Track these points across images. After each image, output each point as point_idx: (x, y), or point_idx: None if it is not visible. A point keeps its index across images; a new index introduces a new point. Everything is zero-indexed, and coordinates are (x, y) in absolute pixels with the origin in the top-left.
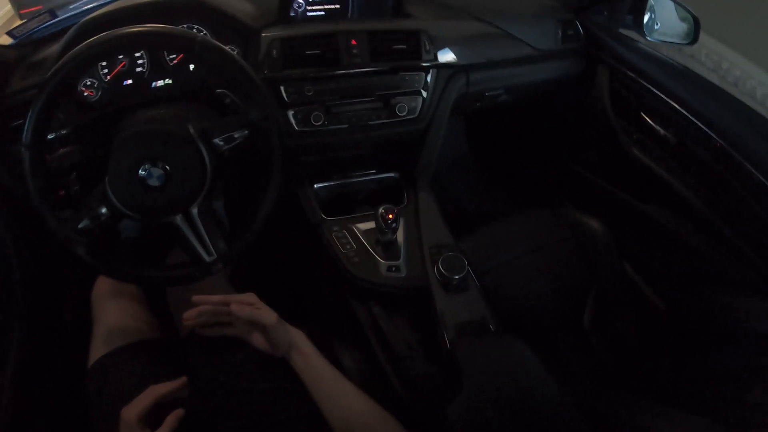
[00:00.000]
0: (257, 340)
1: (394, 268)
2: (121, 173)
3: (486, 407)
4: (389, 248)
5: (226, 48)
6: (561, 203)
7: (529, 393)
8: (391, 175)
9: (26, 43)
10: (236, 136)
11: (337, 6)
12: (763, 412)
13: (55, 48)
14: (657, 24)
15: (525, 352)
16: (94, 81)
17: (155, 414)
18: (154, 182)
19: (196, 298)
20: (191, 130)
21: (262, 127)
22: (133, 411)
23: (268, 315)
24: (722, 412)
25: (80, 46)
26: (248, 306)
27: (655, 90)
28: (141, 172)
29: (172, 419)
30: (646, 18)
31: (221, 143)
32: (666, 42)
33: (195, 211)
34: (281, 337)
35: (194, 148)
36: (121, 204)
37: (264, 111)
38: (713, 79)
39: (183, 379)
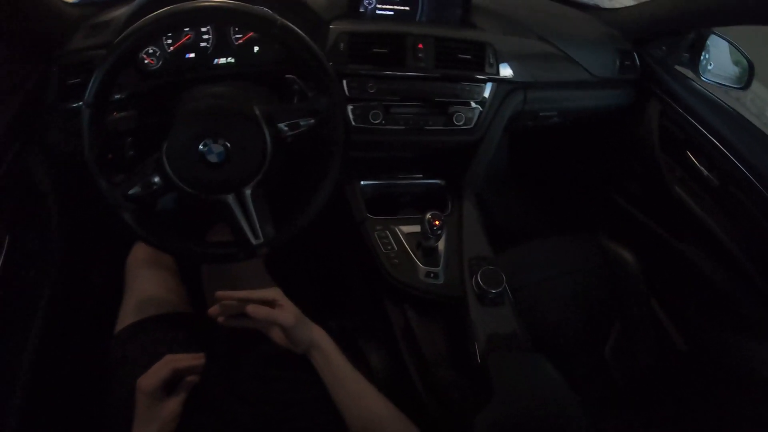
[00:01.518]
0: (277, 336)
1: (432, 275)
2: (181, 145)
3: (514, 424)
4: (430, 254)
5: (305, 35)
6: (596, 230)
7: (557, 415)
8: (438, 182)
9: (90, 2)
10: (302, 123)
11: (407, 8)
12: None
13: (123, 11)
14: (711, 64)
15: (555, 373)
16: (156, 50)
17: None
18: (213, 158)
19: (219, 294)
20: (257, 111)
21: (329, 118)
22: (149, 381)
23: (284, 316)
24: None
25: (159, 12)
26: (264, 308)
27: (703, 130)
28: (201, 147)
29: (185, 386)
30: (701, 57)
31: (285, 128)
32: (718, 84)
33: (249, 192)
34: (300, 336)
35: (258, 129)
36: (176, 175)
37: (333, 102)
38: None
39: (201, 355)
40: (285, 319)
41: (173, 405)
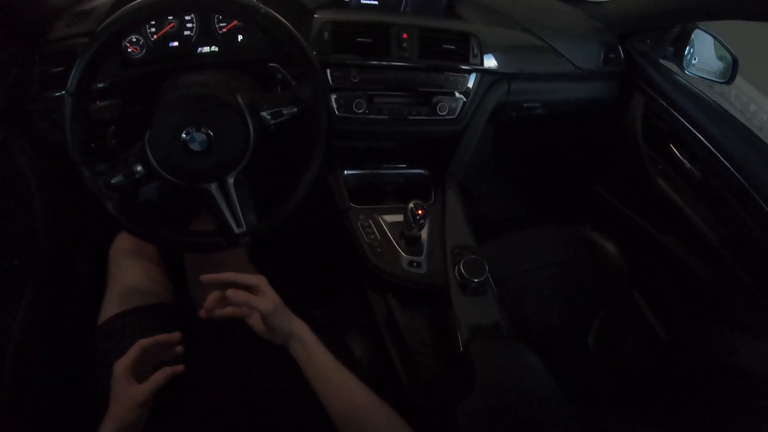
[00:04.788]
0: (257, 325)
1: (415, 264)
2: (163, 134)
3: (496, 412)
4: (413, 243)
5: (288, 23)
6: (579, 222)
7: (540, 403)
8: (421, 171)
9: None
10: (285, 112)
11: None
12: None
13: None
14: (695, 59)
15: (537, 363)
16: (140, 38)
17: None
18: (195, 147)
19: (204, 278)
20: (240, 100)
21: (312, 107)
22: (121, 363)
23: (263, 302)
24: None
25: (142, 0)
26: (244, 292)
27: (686, 123)
28: (183, 136)
29: (160, 374)
30: (686, 51)
31: (268, 117)
32: (702, 78)
33: (231, 180)
34: (279, 325)
35: (241, 118)
36: (158, 164)
37: (316, 91)
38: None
39: (172, 335)
40: (263, 304)
41: (137, 391)
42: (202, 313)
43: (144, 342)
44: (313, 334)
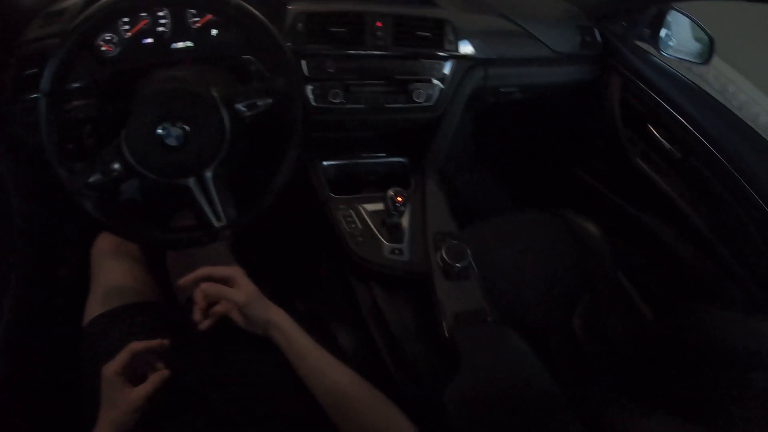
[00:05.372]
0: (237, 317)
1: (397, 251)
2: (139, 130)
3: (482, 395)
4: (394, 231)
5: (260, 15)
6: (561, 205)
7: (526, 385)
8: (400, 159)
9: None
10: (259, 103)
11: None
12: (744, 422)
13: None
14: (672, 40)
15: (522, 346)
16: (114, 36)
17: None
18: (171, 142)
19: (181, 282)
20: (214, 93)
21: (287, 98)
22: (111, 367)
23: (237, 293)
24: (703, 419)
25: None
26: (217, 285)
27: (664, 104)
28: (159, 131)
29: (156, 377)
30: (662, 32)
31: (243, 109)
32: (679, 59)
33: (209, 175)
34: (256, 315)
35: (216, 111)
36: (135, 161)
37: (290, 81)
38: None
39: (163, 341)
40: (235, 295)
41: (135, 395)
42: (204, 324)
43: (135, 347)
44: (292, 321)
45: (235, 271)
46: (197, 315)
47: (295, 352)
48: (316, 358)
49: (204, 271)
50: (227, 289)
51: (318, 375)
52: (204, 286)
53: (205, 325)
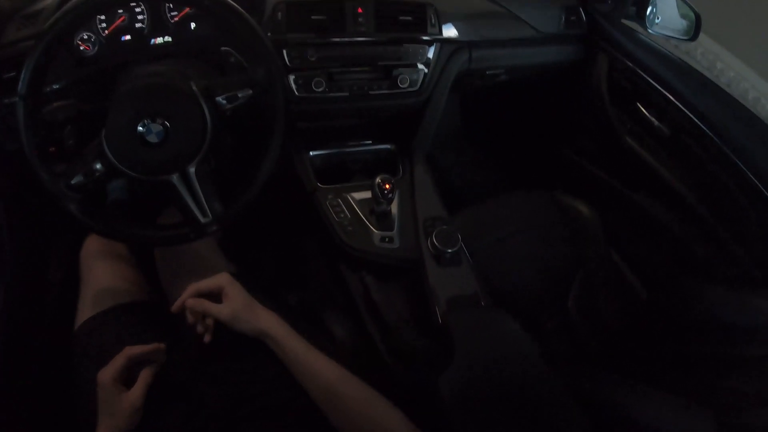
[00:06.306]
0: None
1: (387, 239)
2: (119, 128)
3: (477, 380)
4: (383, 219)
5: (238, 5)
6: (552, 187)
7: (520, 368)
8: (387, 146)
9: None
10: (240, 95)
11: None
12: (739, 397)
13: None
14: (658, 18)
15: (516, 329)
16: (91, 35)
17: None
18: (152, 138)
19: (173, 309)
20: (194, 87)
21: (267, 88)
22: (107, 372)
23: (221, 310)
24: (698, 395)
25: None
26: (202, 301)
27: (652, 81)
28: (140, 128)
29: (146, 374)
30: (648, 10)
31: (224, 102)
32: (666, 36)
33: (192, 170)
34: (245, 328)
35: (196, 105)
36: (117, 160)
37: (270, 71)
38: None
39: (159, 345)
40: (220, 313)
41: (134, 396)
42: (207, 338)
43: (132, 352)
44: (282, 326)
45: (222, 280)
46: (200, 329)
47: (288, 359)
48: (309, 363)
49: (190, 289)
50: (212, 306)
51: (311, 378)
52: (189, 303)
53: (207, 339)
